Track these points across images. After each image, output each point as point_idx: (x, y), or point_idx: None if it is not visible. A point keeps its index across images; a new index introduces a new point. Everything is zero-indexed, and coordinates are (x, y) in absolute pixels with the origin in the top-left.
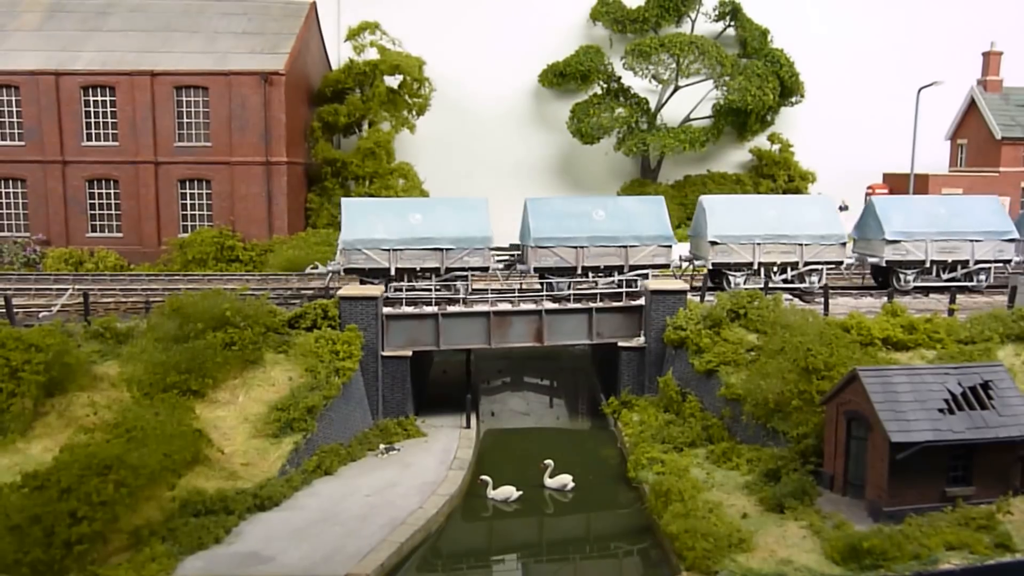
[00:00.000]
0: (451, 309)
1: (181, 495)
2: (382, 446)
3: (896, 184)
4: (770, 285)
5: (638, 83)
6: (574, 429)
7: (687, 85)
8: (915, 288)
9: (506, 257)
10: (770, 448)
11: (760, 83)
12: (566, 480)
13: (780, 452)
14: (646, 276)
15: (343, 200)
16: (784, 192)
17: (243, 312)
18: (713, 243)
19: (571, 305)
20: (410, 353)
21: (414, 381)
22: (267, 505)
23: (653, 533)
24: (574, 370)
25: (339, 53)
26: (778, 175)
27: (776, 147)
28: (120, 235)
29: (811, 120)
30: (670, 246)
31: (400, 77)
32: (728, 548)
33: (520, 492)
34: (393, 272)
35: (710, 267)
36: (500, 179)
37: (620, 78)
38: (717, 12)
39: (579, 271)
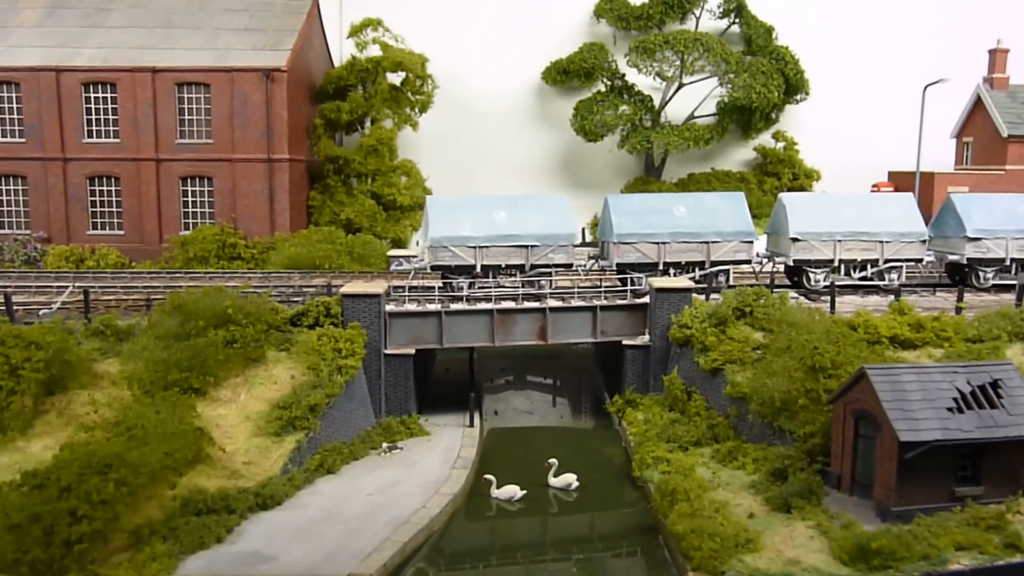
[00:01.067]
0: (454, 307)
1: (182, 494)
2: (385, 445)
3: (901, 182)
4: (842, 282)
5: (642, 80)
6: (578, 428)
7: (691, 82)
8: (993, 286)
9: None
10: (776, 447)
11: (765, 80)
12: (570, 479)
13: (787, 451)
14: (728, 272)
15: (428, 198)
16: (788, 190)
17: (245, 309)
18: (795, 240)
19: (575, 303)
20: (413, 351)
21: (417, 379)
22: (269, 504)
23: (659, 533)
24: (578, 368)
25: (341, 50)
26: (783, 173)
27: (781, 145)
28: (121, 232)
29: (816, 118)
30: (752, 242)
31: (403, 74)
32: (735, 548)
33: (524, 491)
34: (479, 269)
35: (790, 263)
36: (503, 176)
37: (624, 75)
38: (722, 9)
39: (661, 267)
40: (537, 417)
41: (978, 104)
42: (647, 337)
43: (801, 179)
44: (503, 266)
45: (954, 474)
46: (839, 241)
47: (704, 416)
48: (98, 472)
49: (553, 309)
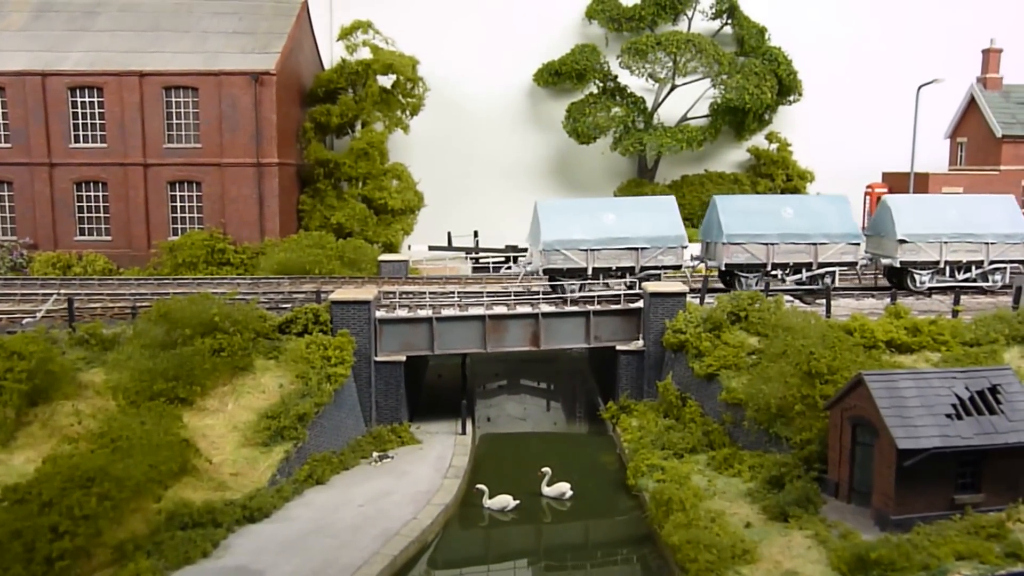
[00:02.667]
0: (446, 313)
1: (167, 507)
2: (375, 454)
3: (895, 183)
4: (945, 283)
5: (634, 82)
6: (572, 434)
7: (684, 84)
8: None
9: (502, 258)
10: (773, 454)
11: (758, 81)
12: (564, 488)
13: (783, 458)
14: (834, 274)
15: (538, 202)
16: (782, 191)
17: (232, 317)
18: (902, 241)
19: (568, 308)
20: (404, 358)
21: (408, 386)
22: (257, 517)
23: (654, 543)
24: (571, 373)
25: (331, 53)
26: (776, 174)
27: (774, 146)
28: (109, 238)
29: (809, 119)
30: (859, 244)
31: (393, 77)
32: (731, 559)
33: (517, 501)
34: (590, 272)
35: (897, 265)
36: (495, 179)
37: (616, 77)
38: (714, 10)
39: (769, 267)
40: (530, 423)
41: (972, 104)
42: (641, 342)
43: (795, 180)
44: (613, 268)
45: (953, 481)
46: (945, 243)
47: (699, 423)
48: (80, 486)
49: (546, 314)
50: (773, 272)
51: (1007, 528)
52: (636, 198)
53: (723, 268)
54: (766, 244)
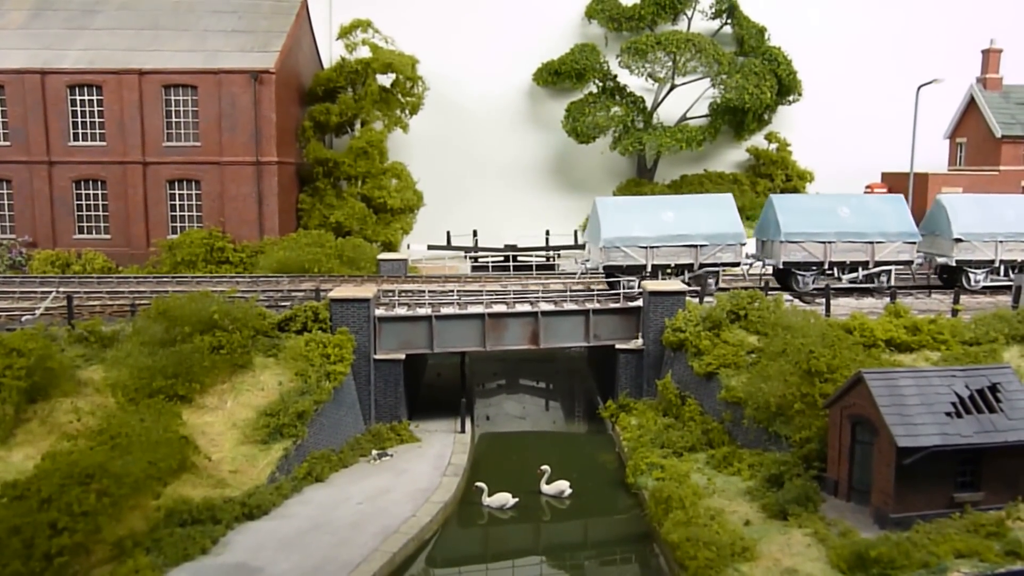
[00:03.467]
0: (445, 311)
1: (166, 504)
2: (374, 452)
3: (895, 183)
4: (996, 283)
5: (634, 81)
6: (571, 433)
7: (683, 84)
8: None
9: (500, 257)
10: (772, 453)
11: (757, 81)
12: (563, 486)
13: (782, 457)
14: (890, 272)
15: (597, 199)
16: (781, 191)
17: (231, 315)
18: (958, 240)
19: (567, 306)
20: (403, 356)
21: (407, 385)
22: (256, 514)
23: (653, 541)
24: (570, 372)
25: (331, 51)
26: (776, 174)
27: (774, 146)
28: (108, 237)
29: (809, 119)
30: (915, 243)
31: (393, 76)
32: (731, 557)
33: (516, 499)
34: (649, 269)
35: (952, 264)
36: (494, 178)
37: (616, 76)
38: (714, 10)
39: (826, 266)
40: (529, 422)
41: (971, 104)
42: (640, 341)
43: (794, 180)
44: (672, 265)
45: (953, 480)
46: (1000, 242)
47: (698, 421)
48: (80, 483)
49: (545, 313)
50: (829, 270)
51: (1006, 526)
52: (694, 196)
53: (780, 266)
54: (823, 243)
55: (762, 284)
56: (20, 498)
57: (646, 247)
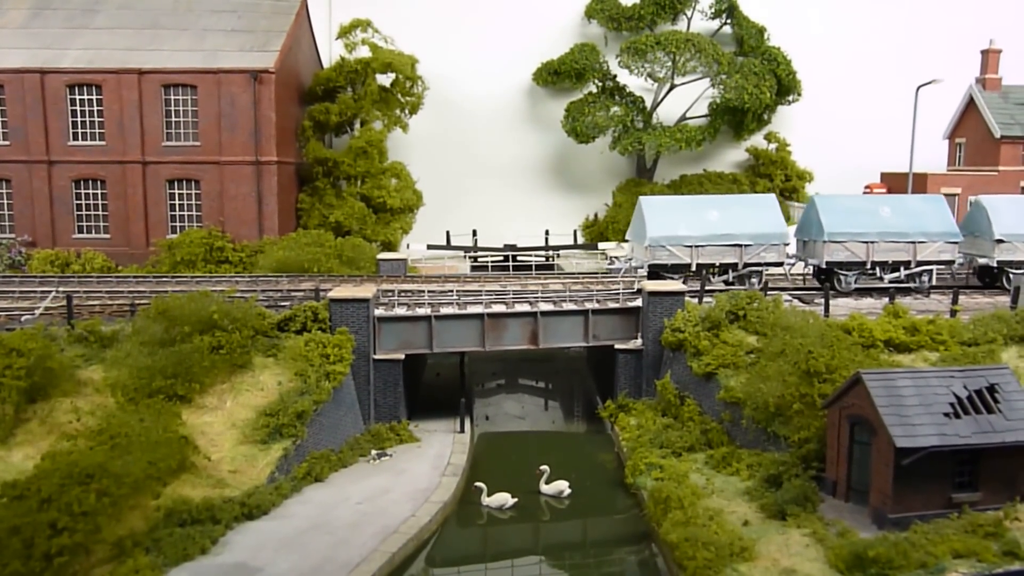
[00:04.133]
0: (444, 311)
1: (166, 504)
2: (374, 452)
3: (894, 183)
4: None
5: (633, 81)
6: (570, 433)
7: (683, 83)
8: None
9: (499, 257)
10: (771, 453)
11: (757, 81)
12: (562, 486)
13: (781, 457)
14: (931, 272)
15: (642, 198)
16: (781, 192)
17: (231, 315)
18: (999, 241)
19: (567, 307)
20: (403, 356)
21: (407, 385)
22: (255, 514)
23: (652, 541)
24: (570, 372)
25: (330, 51)
26: (775, 174)
27: (773, 146)
28: (107, 236)
29: (808, 119)
30: (957, 243)
31: (392, 75)
32: (729, 557)
33: (515, 499)
34: (694, 268)
35: (993, 265)
36: (494, 178)
37: (615, 76)
38: (713, 10)
39: (868, 265)
40: (529, 422)
41: (971, 105)
42: (639, 341)
43: (793, 180)
44: (716, 264)
45: (951, 480)
46: None
47: (697, 421)
48: (79, 482)
49: (544, 313)
50: (871, 270)
51: (1004, 527)
52: (738, 195)
53: (824, 266)
54: (866, 242)
55: (803, 283)
56: (20, 498)
57: (691, 246)
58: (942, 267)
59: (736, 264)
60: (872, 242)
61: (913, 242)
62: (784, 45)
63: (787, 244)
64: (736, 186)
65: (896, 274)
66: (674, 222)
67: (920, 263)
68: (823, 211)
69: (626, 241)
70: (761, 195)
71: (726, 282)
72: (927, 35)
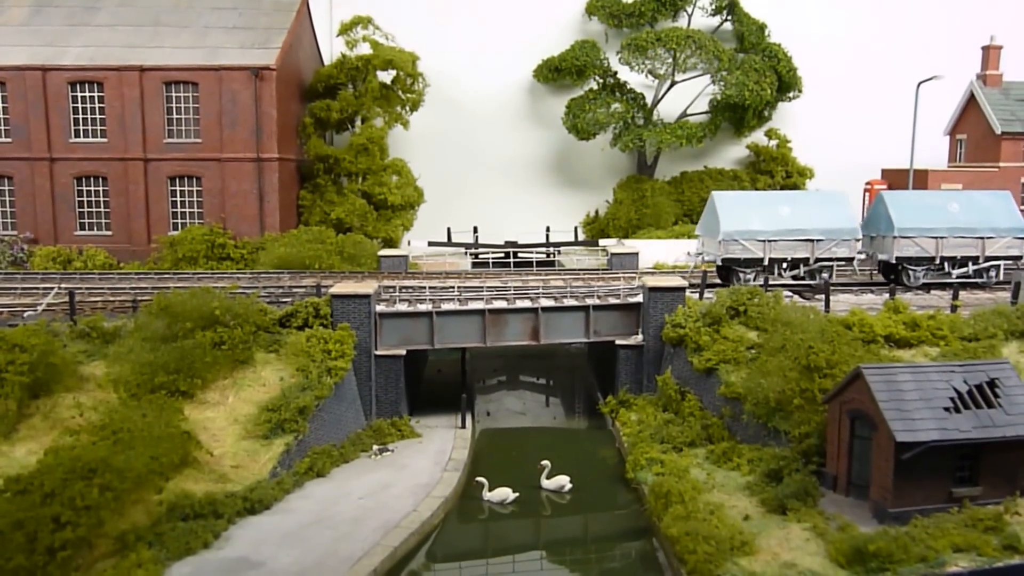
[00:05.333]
0: (446, 307)
1: (169, 499)
2: (375, 447)
3: (895, 180)
4: None
5: (634, 78)
6: (571, 429)
7: (684, 80)
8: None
9: (500, 253)
10: (771, 448)
11: (758, 78)
12: (563, 481)
13: (782, 452)
14: (999, 267)
15: (714, 193)
16: (781, 188)
17: (233, 311)
18: None
19: (568, 302)
20: (404, 352)
21: (408, 381)
22: (257, 508)
23: (653, 535)
24: (570, 368)
25: (331, 48)
26: (776, 171)
27: (774, 143)
28: (109, 233)
29: (809, 115)
30: None
31: (393, 72)
32: (730, 551)
33: (517, 494)
34: (767, 262)
35: None
36: (495, 175)
37: (616, 73)
38: (714, 6)
39: (937, 261)
40: (530, 418)
41: (971, 101)
42: (640, 337)
43: (794, 177)
44: (788, 259)
45: (951, 475)
46: None
47: (698, 416)
48: (82, 477)
49: (545, 309)
50: (940, 265)
51: (1004, 521)
52: (808, 191)
53: (893, 261)
54: (935, 238)
55: (870, 279)
56: (23, 492)
57: (764, 240)
58: (1010, 262)
59: (807, 259)
60: (941, 238)
61: (981, 238)
62: (785, 42)
63: (858, 239)
64: (737, 183)
65: (964, 269)
66: (747, 216)
67: (988, 258)
68: (893, 207)
69: (696, 236)
70: (830, 192)
71: (796, 277)
72: (928, 31)
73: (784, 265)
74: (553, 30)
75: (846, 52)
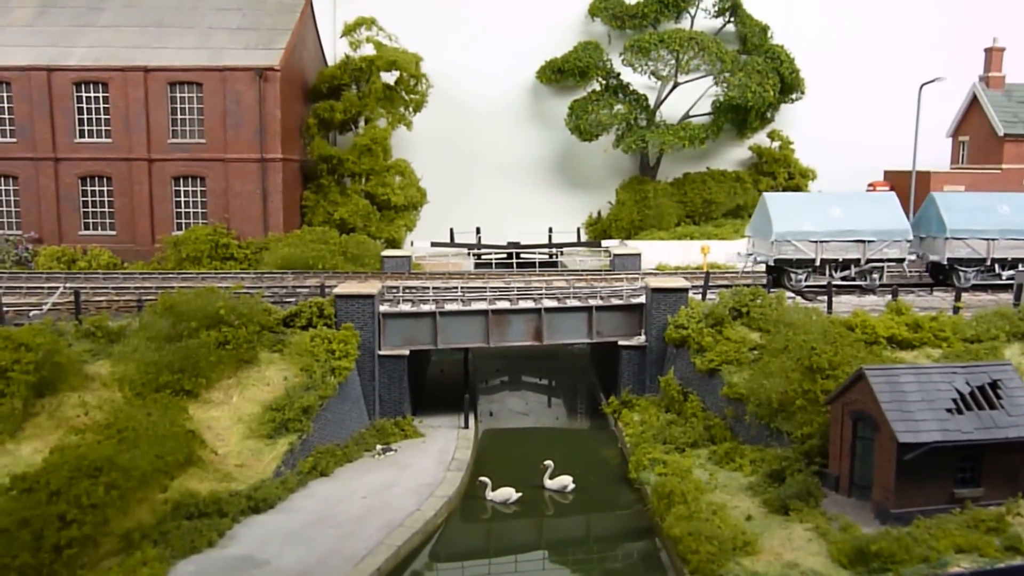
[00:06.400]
0: (449, 307)
1: (173, 497)
2: (379, 447)
3: (897, 182)
4: None
5: (637, 79)
6: (574, 429)
7: (687, 82)
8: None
9: (503, 254)
10: (774, 449)
11: (760, 79)
12: (566, 481)
13: (784, 453)
14: None
15: (766, 194)
16: (784, 190)
17: (237, 310)
18: None
19: (571, 303)
20: (407, 352)
21: (411, 381)
22: (261, 507)
23: (655, 535)
24: (573, 369)
25: (335, 49)
26: (778, 172)
27: (776, 144)
28: (113, 233)
29: (811, 117)
30: None
31: (397, 73)
32: (733, 551)
33: (519, 494)
34: (818, 263)
35: None
36: (497, 176)
37: (619, 74)
38: (717, 8)
39: (988, 262)
40: (532, 418)
41: (974, 103)
42: (643, 338)
43: (797, 178)
44: (839, 260)
45: (953, 476)
46: None
47: (701, 417)
48: (88, 476)
49: (548, 310)
50: (991, 267)
51: (1006, 522)
52: (858, 193)
53: (944, 263)
54: (986, 240)
55: (919, 279)
56: (29, 491)
57: (816, 241)
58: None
59: (859, 260)
60: (993, 239)
61: None
62: (787, 43)
63: (909, 240)
64: (739, 184)
65: (1013, 271)
66: (798, 217)
67: None
68: (944, 208)
69: (747, 237)
70: (880, 193)
71: (846, 278)
72: (930, 33)
73: (835, 266)
74: (556, 31)
75: (849, 54)
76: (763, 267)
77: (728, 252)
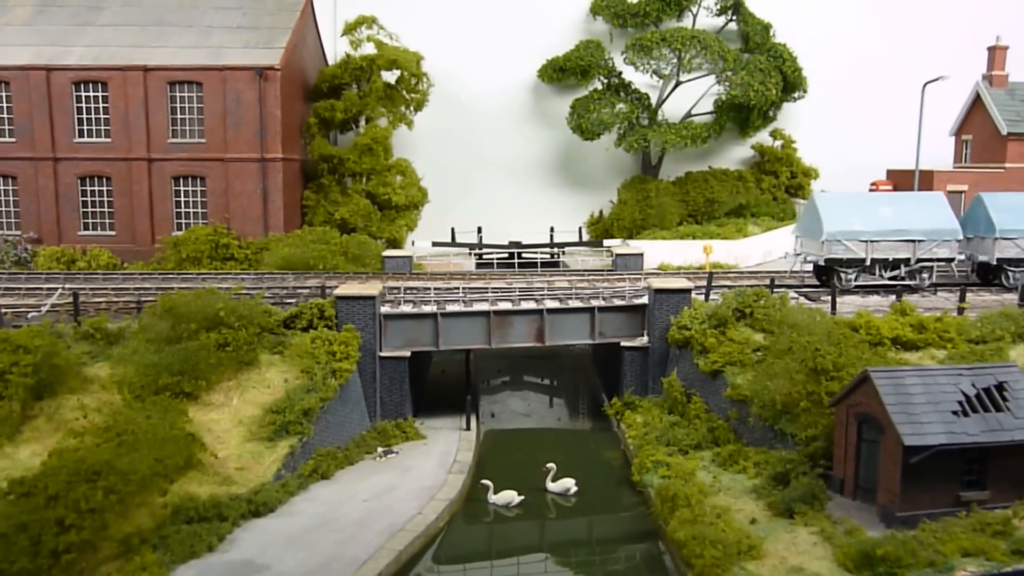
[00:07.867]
0: (450, 308)
1: (173, 501)
2: (380, 449)
3: (900, 180)
4: None
5: (639, 78)
6: (576, 430)
7: (688, 80)
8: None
9: (505, 254)
10: (778, 451)
11: (762, 78)
12: (569, 484)
13: (788, 455)
14: None
15: (816, 194)
16: (786, 189)
17: (237, 312)
18: None
19: (573, 304)
20: (408, 354)
21: (412, 382)
22: (262, 511)
23: (659, 539)
24: (575, 370)
25: (335, 48)
26: (780, 171)
27: (779, 143)
28: (113, 233)
29: (814, 116)
30: None
31: (397, 72)
32: (737, 555)
33: (522, 496)
34: (868, 262)
35: None
36: (499, 175)
37: (621, 73)
38: (719, 6)
39: None
40: (534, 419)
41: (977, 102)
42: (646, 339)
43: (799, 177)
44: (889, 259)
45: (959, 478)
46: None
47: (704, 419)
48: (87, 480)
49: (551, 310)
50: None
51: (1013, 525)
52: (907, 193)
53: (993, 262)
54: None
55: (968, 279)
56: (27, 495)
57: (866, 241)
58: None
59: (908, 259)
60: None
61: None
62: (790, 42)
63: (959, 240)
64: (742, 183)
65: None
66: (848, 217)
67: None
68: (993, 209)
69: (795, 237)
70: (929, 193)
71: (895, 277)
72: (933, 32)
73: (885, 265)
74: (557, 30)
75: (851, 52)
76: (811, 267)
77: (730, 251)
